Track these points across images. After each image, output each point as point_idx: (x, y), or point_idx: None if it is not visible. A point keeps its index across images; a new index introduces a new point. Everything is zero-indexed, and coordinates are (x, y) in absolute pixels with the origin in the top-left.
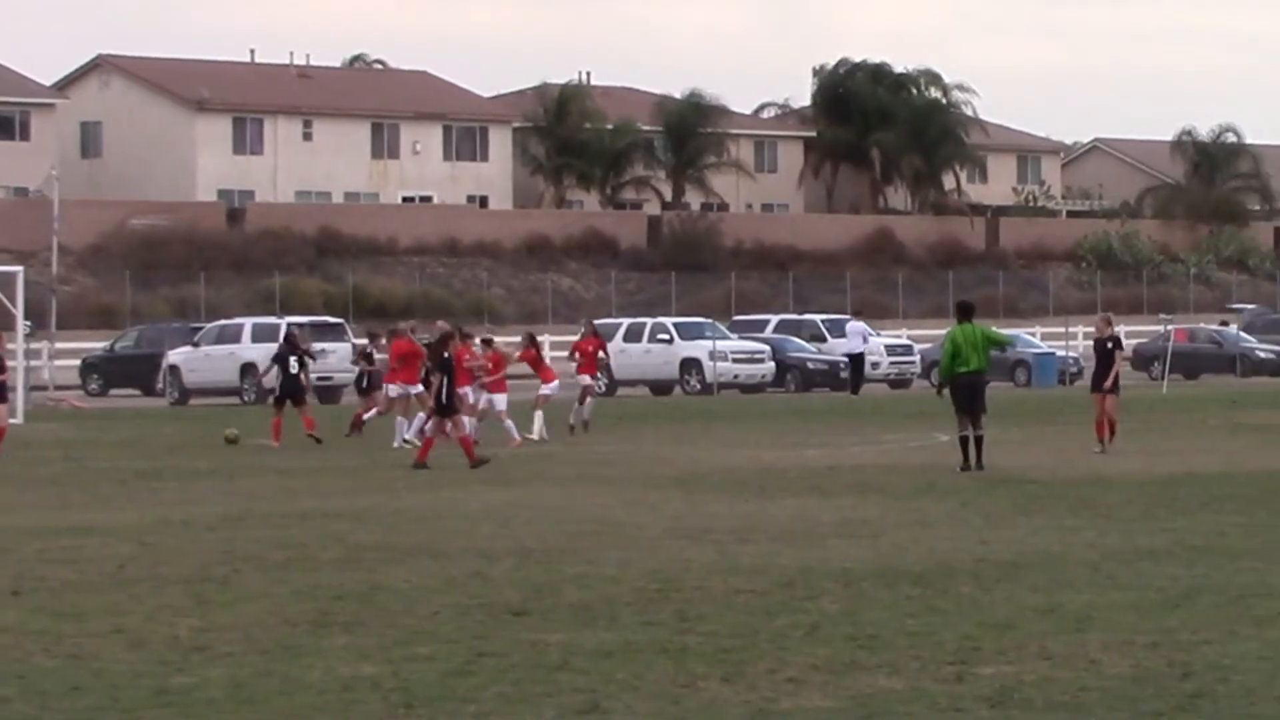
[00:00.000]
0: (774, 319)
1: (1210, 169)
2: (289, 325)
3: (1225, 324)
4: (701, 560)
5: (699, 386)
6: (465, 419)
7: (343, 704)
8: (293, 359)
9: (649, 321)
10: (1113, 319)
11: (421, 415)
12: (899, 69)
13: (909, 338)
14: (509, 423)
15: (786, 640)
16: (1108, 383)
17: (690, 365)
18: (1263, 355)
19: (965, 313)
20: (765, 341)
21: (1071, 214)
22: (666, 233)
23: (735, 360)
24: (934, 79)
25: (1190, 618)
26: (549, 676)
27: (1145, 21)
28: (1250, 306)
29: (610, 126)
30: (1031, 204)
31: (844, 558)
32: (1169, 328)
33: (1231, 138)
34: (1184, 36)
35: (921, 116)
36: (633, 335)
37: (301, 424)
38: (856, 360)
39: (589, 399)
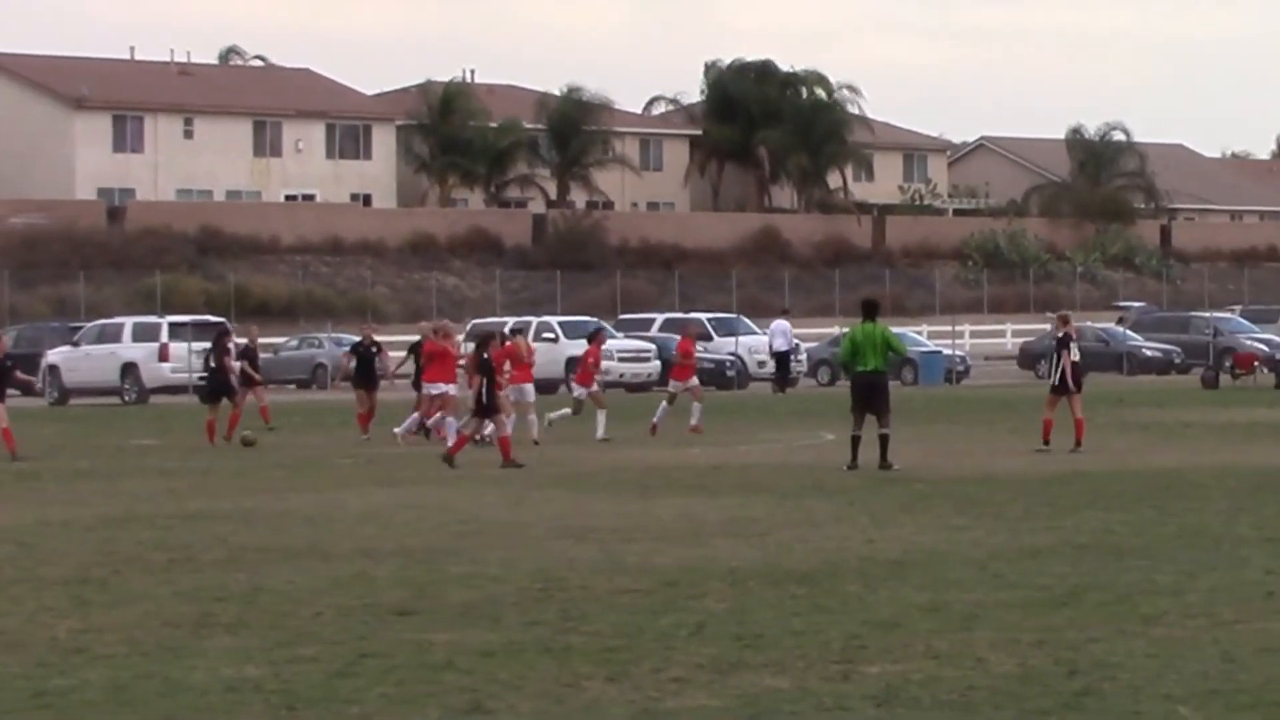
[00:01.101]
0: (660, 317)
1: (1097, 167)
2: (223, 323)
3: (1121, 321)
4: (586, 559)
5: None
6: (504, 418)
7: (225, 706)
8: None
9: (534, 320)
10: (1070, 317)
11: (415, 416)
12: (786, 68)
13: (795, 336)
14: (532, 417)
15: (671, 639)
16: (1067, 382)
17: (575, 364)
18: (1149, 353)
19: (869, 311)
20: (651, 340)
21: (958, 212)
22: (551, 231)
23: (621, 359)
24: (820, 79)
25: (1077, 616)
26: (433, 677)
27: (1032, 20)
28: (1137, 304)
29: (494, 124)
30: (918, 202)
31: (730, 557)
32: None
33: (1119, 136)
34: (1072, 35)
35: (808, 115)
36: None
37: (259, 415)
38: (782, 359)
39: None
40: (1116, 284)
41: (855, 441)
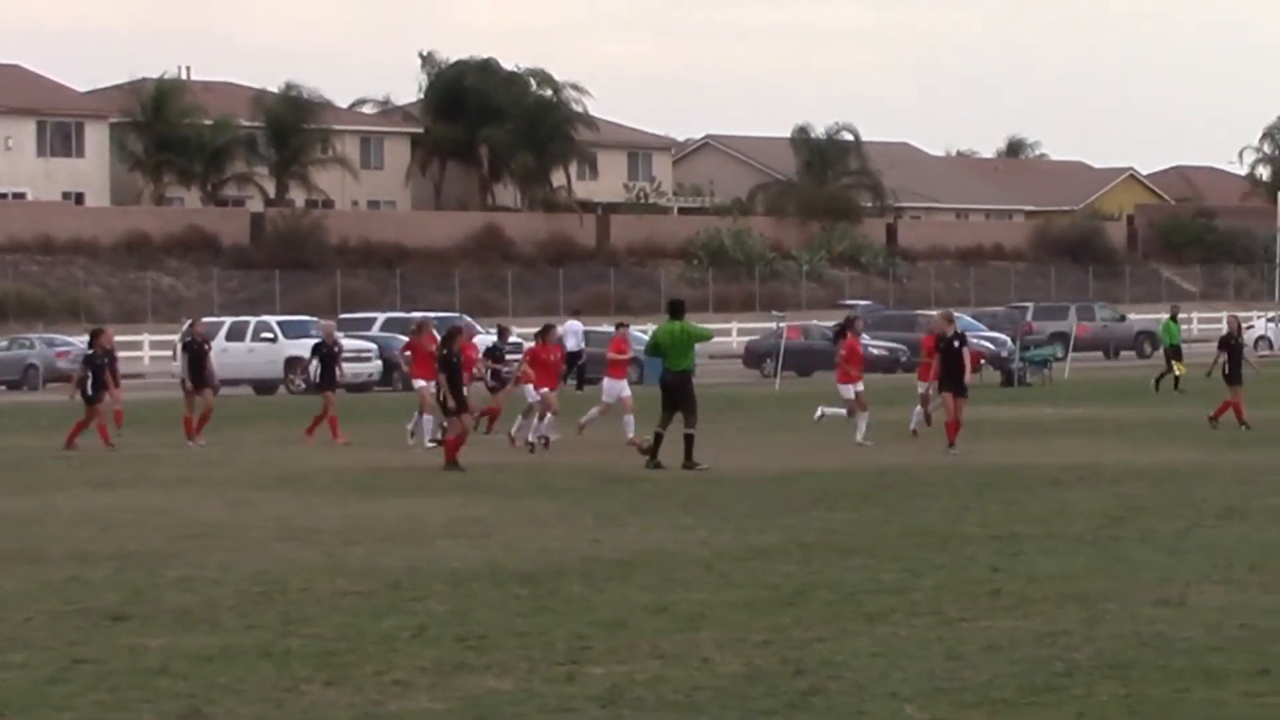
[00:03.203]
0: (381, 317)
1: (823, 166)
2: (95, 327)
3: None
4: (307, 562)
5: (304, 386)
6: (467, 419)
7: None
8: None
9: (252, 320)
10: (954, 316)
11: (428, 417)
12: (510, 66)
13: (519, 335)
14: (550, 418)
15: (393, 642)
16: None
17: (295, 364)
18: (875, 352)
19: (674, 311)
20: (372, 340)
21: (683, 211)
22: (270, 230)
23: (342, 359)
24: (545, 77)
25: (803, 615)
26: (148, 682)
27: (759, 18)
28: (863, 303)
29: (210, 122)
30: (643, 201)
31: (452, 558)
32: (781, 325)
33: (846, 135)
34: (798, 34)
35: (532, 114)
36: (236, 334)
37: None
38: (573, 358)
39: (550, 415)
40: (842, 282)
41: (658, 439)
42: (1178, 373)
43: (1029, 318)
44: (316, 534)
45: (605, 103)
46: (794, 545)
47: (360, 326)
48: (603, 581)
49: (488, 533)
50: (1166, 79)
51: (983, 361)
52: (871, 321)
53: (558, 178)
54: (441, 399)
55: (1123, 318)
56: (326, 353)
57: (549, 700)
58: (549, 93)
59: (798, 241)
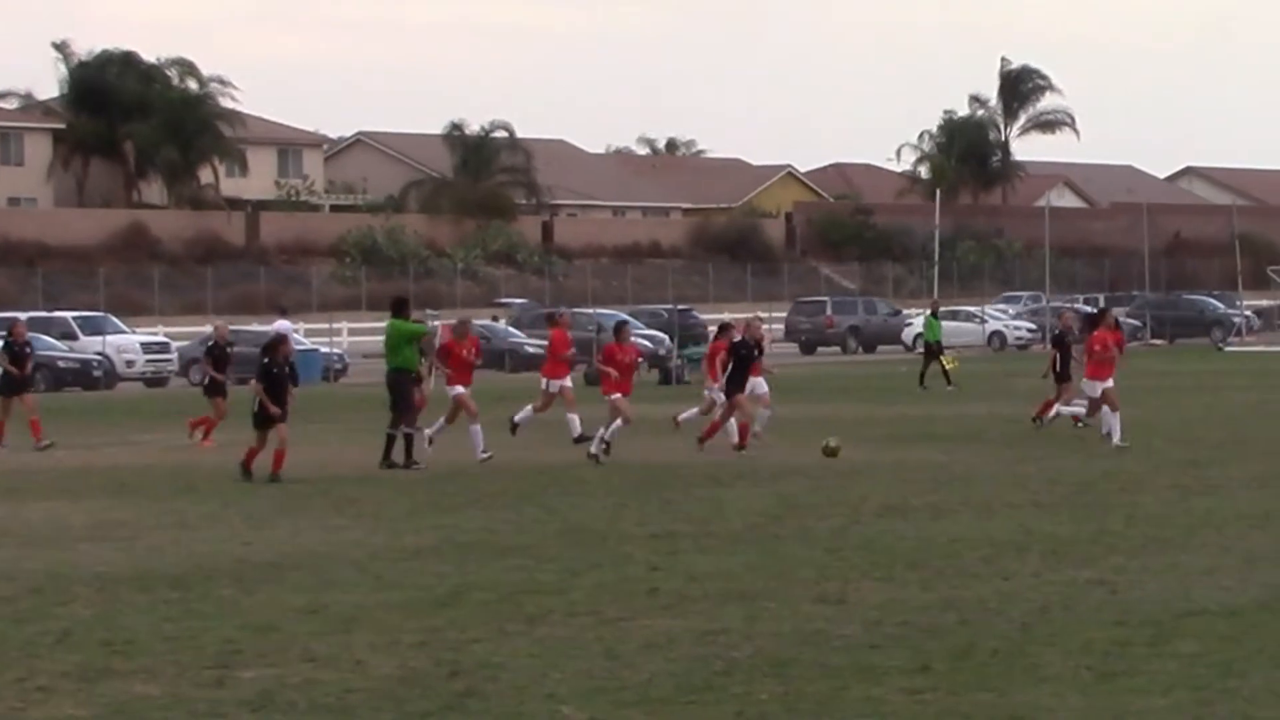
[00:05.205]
0: (22, 316)
1: (479, 163)
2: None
3: (496, 319)
4: None
5: None
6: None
7: None
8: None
9: None
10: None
11: (476, 427)
12: (153, 59)
13: (166, 335)
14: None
15: (36, 648)
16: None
17: None
18: (532, 350)
19: (396, 308)
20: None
21: (335, 208)
22: None
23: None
24: (190, 70)
25: (459, 616)
26: None
27: (411, 15)
28: (519, 301)
29: None
30: (293, 198)
31: (97, 561)
32: (435, 323)
33: (502, 133)
34: (454, 30)
35: (178, 109)
36: None
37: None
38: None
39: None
40: (498, 281)
41: (390, 440)
42: (948, 365)
43: (828, 312)
44: None
45: (254, 98)
46: (449, 545)
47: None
48: (253, 584)
49: (134, 536)
50: (824, 77)
51: (639, 360)
52: (528, 320)
53: (205, 175)
54: (256, 409)
55: (898, 312)
56: (18, 351)
57: (198, 705)
58: (194, 87)
59: (452, 239)
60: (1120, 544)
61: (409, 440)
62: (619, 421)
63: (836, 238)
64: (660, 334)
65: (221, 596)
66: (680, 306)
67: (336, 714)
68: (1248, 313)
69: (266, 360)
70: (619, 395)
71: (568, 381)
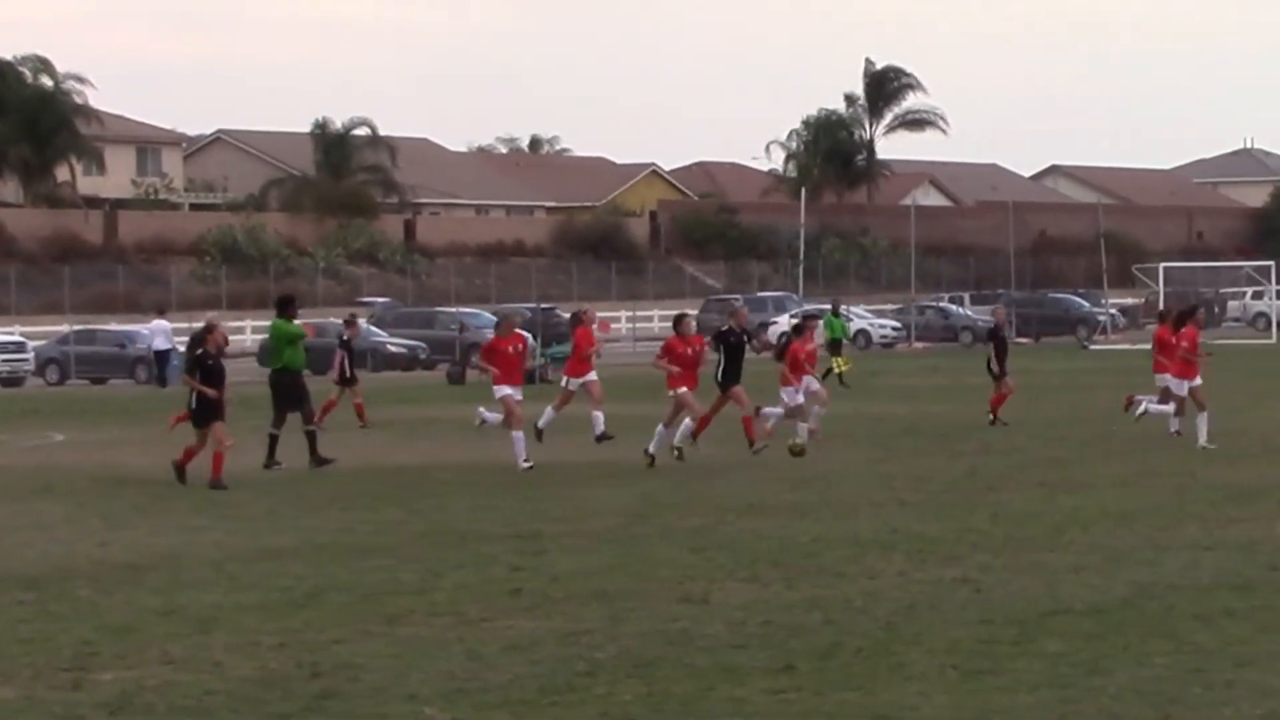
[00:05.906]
0: None
1: (341, 161)
2: None
3: (369, 318)
4: None
5: None
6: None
7: None
8: None
9: None
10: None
11: (518, 434)
12: (7, 56)
13: (23, 334)
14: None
15: None
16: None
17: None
18: (394, 349)
19: (280, 307)
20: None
21: (195, 207)
22: None
23: None
24: (44, 67)
25: (318, 617)
26: None
27: (271, 12)
28: (381, 300)
29: None
30: (152, 196)
31: None
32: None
33: (364, 130)
34: (315, 28)
35: (31, 105)
36: None
37: None
38: (162, 357)
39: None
40: (360, 279)
41: (273, 440)
42: (839, 369)
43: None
44: None
45: (112, 96)
46: (309, 546)
47: None
48: (111, 585)
49: None
50: (688, 76)
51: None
52: (390, 319)
53: (62, 173)
54: (193, 404)
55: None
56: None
57: (55, 708)
58: (50, 84)
59: (314, 238)
60: (986, 543)
61: (311, 438)
62: (688, 420)
63: (700, 236)
64: (524, 333)
65: (78, 597)
66: (544, 305)
67: (196, 716)
68: (1113, 311)
69: (200, 352)
70: (684, 390)
71: (593, 376)
